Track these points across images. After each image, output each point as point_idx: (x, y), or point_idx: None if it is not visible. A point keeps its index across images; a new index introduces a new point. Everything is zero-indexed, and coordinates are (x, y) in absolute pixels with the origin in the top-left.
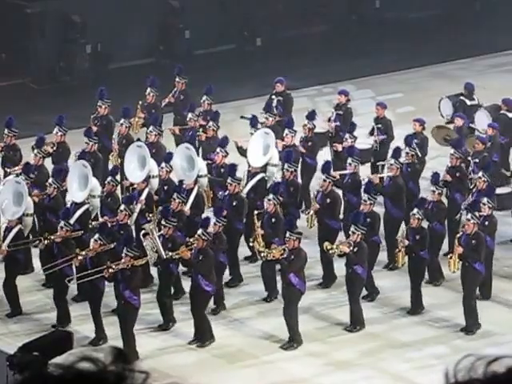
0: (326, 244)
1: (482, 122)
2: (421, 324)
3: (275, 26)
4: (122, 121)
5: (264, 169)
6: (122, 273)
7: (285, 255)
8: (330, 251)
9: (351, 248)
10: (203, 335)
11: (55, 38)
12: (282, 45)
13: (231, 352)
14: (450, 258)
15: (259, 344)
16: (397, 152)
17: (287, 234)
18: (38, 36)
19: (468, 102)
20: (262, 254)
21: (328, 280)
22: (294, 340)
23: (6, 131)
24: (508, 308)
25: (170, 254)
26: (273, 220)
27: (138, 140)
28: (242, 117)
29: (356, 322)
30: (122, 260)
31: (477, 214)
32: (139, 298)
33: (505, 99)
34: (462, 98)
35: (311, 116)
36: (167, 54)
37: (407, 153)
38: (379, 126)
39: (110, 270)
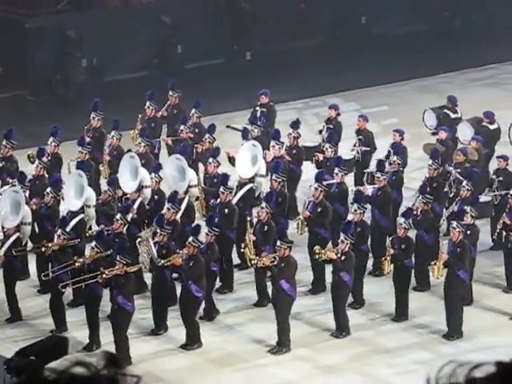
0: (316, 248)
1: (464, 134)
2: (405, 330)
3: (264, 41)
4: (112, 133)
5: (252, 179)
6: (116, 279)
7: (275, 263)
8: (318, 255)
9: (339, 256)
10: (192, 340)
11: (52, 51)
12: (271, 59)
13: (222, 356)
14: (435, 264)
15: (249, 349)
16: (381, 164)
17: (278, 243)
18: (35, 50)
19: (452, 115)
20: (253, 262)
21: (317, 287)
22: (282, 345)
23: (4, 142)
24: (489, 313)
25: (162, 261)
26: (265, 228)
27: (129, 151)
28: (228, 126)
29: (342, 328)
30: (116, 267)
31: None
32: (133, 304)
33: (486, 112)
34: (445, 110)
35: (295, 125)
36: (160, 67)
37: (394, 161)
38: (360, 137)
39: (104, 276)
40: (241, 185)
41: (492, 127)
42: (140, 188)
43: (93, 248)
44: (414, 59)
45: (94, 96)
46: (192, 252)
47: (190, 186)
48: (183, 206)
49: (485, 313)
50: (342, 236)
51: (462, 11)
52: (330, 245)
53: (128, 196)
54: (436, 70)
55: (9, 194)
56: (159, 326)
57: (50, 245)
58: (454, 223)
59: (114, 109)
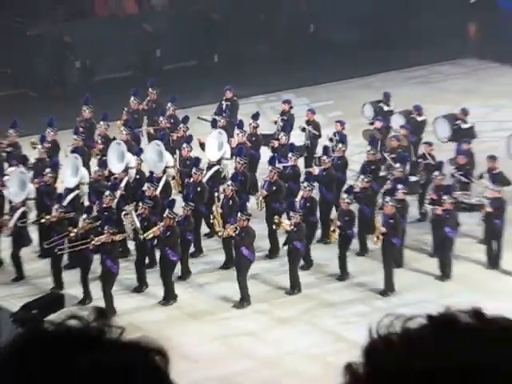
0: (276, 218)
1: (397, 123)
2: (347, 287)
3: (229, 45)
4: (101, 123)
5: (219, 162)
6: (104, 246)
7: (237, 232)
8: (277, 225)
9: (292, 227)
10: (169, 296)
11: (50, 55)
12: (235, 60)
13: (194, 310)
14: (374, 233)
15: (217, 304)
16: (326, 149)
17: (239, 215)
18: (36, 53)
19: (385, 108)
20: (220, 233)
21: (273, 252)
22: (244, 300)
23: (10, 131)
24: (417, 274)
25: (145, 234)
26: (230, 202)
27: (114, 138)
28: (199, 117)
29: (294, 287)
30: (104, 235)
31: (394, 198)
32: (118, 266)
33: (415, 106)
34: (381, 104)
35: (255, 117)
36: (142, 68)
37: (340, 148)
38: (310, 127)
39: (94, 243)
40: (209, 166)
41: (420, 119)
42: (126, 169)
43: (84, 220)
44: (356, 61)
45: (86, 92)
46: (168, 223)
47: (167, 167)
48: (161, 184)
49: (412, 273)
50: (291, 213)
51: (398, 19)
52: (285, 218)
53: (116, 176)
54: (374, 70)
55: (16, 174)
56: (141, 285)
57: (48, 217)
58: (388, 198)
59: (102, 103)
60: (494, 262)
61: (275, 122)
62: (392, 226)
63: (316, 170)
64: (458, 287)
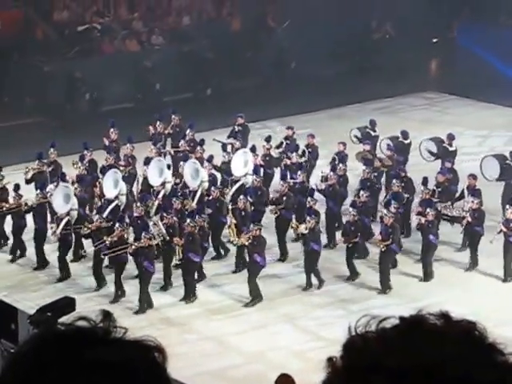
0: (293, 223)
1: (385, 147)
2: (326, 292)
3: (221, 80)
4: (128, 145)
5: (243, 177)
6: (141, 249)
7: (250, 241)
8: (293, 227)
9: (307, 231)
10: (190, 294)
11: (63, 88)
12: (226, 93)
13: (213, 307)
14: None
15: (233, 301)
16: (334, 167)
17: (251, 226)
18: (51, 87)
19: (372, 133)
20: (234, 242)
21: (284, 256)
22: (255, 299)
23: (51, 150)
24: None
25: (169, 241)
26: (243, 214)
27: (160, 155)
28: (214, 139)
29: (321, 281)
30: (141, 241)
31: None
32: (154, 267)
33: (402, 131)
34: (367, 130)
35: (268, 139)
36: (143, 100)
37: (341, 167)
38: (310, 150)
39: (133, 247)
40: (235, 181)
41: (406, 142)
42: (163, 183)
43: (117, 228)
44: (330, 93)
45: (95, 120)
46: (190, 230)
47: (202, 182)
48: (197, 196)
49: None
50: (307, 218)
51: (367, 56)
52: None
53: (154, 188)
54: (346, 101)
55: (61, 189)
56: (167, 283)
57: (90, 226)
58: (385, 211)
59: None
60: (473, 265)
61: (279, 146)
62: (390, 235)
63: (322, 186)
64: (437, 288)
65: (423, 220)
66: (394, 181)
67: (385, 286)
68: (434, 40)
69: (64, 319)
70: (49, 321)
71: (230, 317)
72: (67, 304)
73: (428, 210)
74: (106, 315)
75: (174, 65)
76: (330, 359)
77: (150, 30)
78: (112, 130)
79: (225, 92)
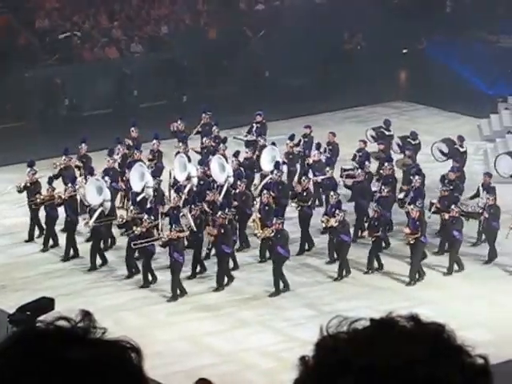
0: (324, 218)
1: (396, 146)
2: (296, 294)
3: (196, 88)
4: (154, 141)
5: (271, 172)
6: (171, 241)
7: (273, 234)
8: (323, 221)
9: (337, 224)
10: (223, 281)
11: (44, 93)
12: (200, 100)
13: (243, 296)
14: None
15: (260, 290)
16: (362, 165)
17: (274, 220)
18: (32, 92)
19: (386, 133)
20: (258, 235)
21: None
22: (279, 289)
23: (82, 145)
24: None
25: (197, 232)
26: (266, 208)
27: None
28: (234, 137)
29: (347, 271)
30: (172, 232)
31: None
32: (183, 258)
33: (411, 132)
34: (382, 130)
35: (292, 138)
36: (121, 106)
37: (366, 165)
38: (330, 147)
39: (164, 239)
40: (264, 176)
41: (414, 142)
42: (189, 177)
43: (145, 220)
44: (303, 102)
45: (74, 126)
46: (222, 222)
47: (228, 176)
48: (224, 190)
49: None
50: (337, 211)
51: (339, 65)
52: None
53: (180, 183)
54: (319, 109)
55: (93, 181)
56: (194, 273)
57: (123, 217)
58: (412, 205)
59: (87, 132)
60: (490, 259)
61: (298, 144)
62: (418, 227)
63: (349, 182)
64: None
65: (447, 216)
66: (417, 177)
67: (412, 277)
68: (404, 51)
69: (43, 318)
70: (28, 320)
71: (209, 317)
72: (46, 304)
73: (452, 206)
74: (86, 315)
75: (152, 72)
76: (302, 358)
77: (129, 38)
78: (133, 128)
79: (200, 99)
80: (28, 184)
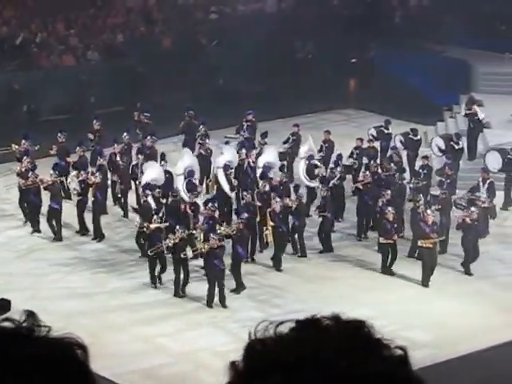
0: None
1: (398, 142)
2: (247, 296)
3: (152, 94)
4: (148, 137)
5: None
6: (211, 250)
7: (234, 232)
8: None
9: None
10: (239, 284)
11: (2, 99)
12: (155, 107)
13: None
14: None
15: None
16: (368, 167)
17: (236, 219)
18: None
19: (385, 131)
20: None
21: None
22: (242, 285)
23: (125, 136)
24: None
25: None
26: (210, 221)
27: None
28: (225, 137)
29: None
30: (210, 242)
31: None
32: (224, 264)
33: (412, 128)
34: (381, 128)
35: (264, 135)
36: (79, 111)
37: (372, 165)
38: (326, 145)
39: (203, 250)
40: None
41: (415, 138)
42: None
43: (177, 230)
44: (256, 108)
45: (31, 131)
46: (239, 226)
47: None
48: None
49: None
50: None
51: (292, 73)
52: None
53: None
54: (271, 117)
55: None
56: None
57: (151, 226)
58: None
59: (45, 139)
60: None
61: (286, 141)
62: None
63: (360, 186)
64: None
65: (468, 220)
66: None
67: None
68: (353, 60)
69: None
70: None
71: (164, 318)
72: (2, 306)
73: (472, 208)
74: (30, 315)
75: (108, 79)
76: (232, 363)
77: (85, 46)
78: (141, 115)
79: (154, 106)
80: None
